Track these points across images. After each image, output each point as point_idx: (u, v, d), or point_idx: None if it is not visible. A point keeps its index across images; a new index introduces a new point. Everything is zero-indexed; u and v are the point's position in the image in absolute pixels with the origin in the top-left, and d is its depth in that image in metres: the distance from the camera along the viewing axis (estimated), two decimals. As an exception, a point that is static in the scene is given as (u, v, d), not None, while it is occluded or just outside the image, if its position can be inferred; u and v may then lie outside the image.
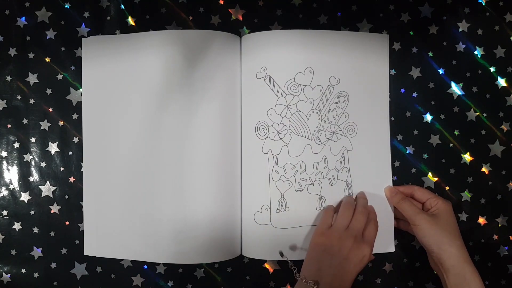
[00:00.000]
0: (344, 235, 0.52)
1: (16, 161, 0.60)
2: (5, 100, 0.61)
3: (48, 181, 0.61)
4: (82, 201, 0.60)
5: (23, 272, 0.60)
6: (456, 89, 0.63)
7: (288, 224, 0.58)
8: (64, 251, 0.61)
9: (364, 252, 0.51)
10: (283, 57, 0.58)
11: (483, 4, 0.63)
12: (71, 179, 0.61)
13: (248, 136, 0.59)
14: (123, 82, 0.59)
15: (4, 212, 0.60)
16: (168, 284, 0.61)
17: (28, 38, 0.60)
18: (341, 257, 0.51)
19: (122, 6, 0.61)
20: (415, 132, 0.62)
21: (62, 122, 0.61)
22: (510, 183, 0.63)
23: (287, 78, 0.58)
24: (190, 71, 0.58)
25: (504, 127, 0.63)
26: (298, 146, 0.58)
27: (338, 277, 0.50)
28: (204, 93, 0.58)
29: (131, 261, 0.61)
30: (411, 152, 0.62)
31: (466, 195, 0.63)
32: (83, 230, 0.60)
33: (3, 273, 0.60)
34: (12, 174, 0.61)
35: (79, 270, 0.61)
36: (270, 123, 0.58)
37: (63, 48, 0.61)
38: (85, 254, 0.59)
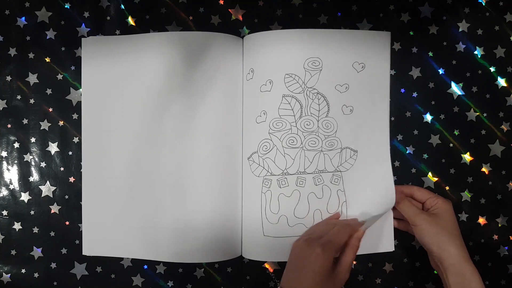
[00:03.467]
0: (313, 243, 0.50)
1: (16, 161, 0.61)
2: (5, 100, 0.61)
3: (48, 181, 0.61)
4: (82, 201, 0.60)
5: (23, 272, 0.60)
6: (456, 89, 0.63)
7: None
8: (64, 251, 0.61)
9: (314, 251, 0.48)
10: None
11: (483, 4, 0.63)
12: (71, 179, 0.61)
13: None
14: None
15: (4, 212, 0.60)
16: (168, 284, 0.61)
17: (28, 38, 0.60)
18: (302, 266, 0.49)
19: (122, 6, 0.61)
20: (415, 132, 0.62)
21: (62, 122, 0.61)
22: (510, 183, 0.63)
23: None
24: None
25: (504, 127, 0.63)
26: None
27: (298, 285, 0.48)
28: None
29: (131, 261, 0.61)
30: (411, 152, 0.62)
31: (466, 195, 0.63)
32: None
33: (3, 273, 0.60)
34: (12, 174, 0.61)
35: (79, 270, 0.61)
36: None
37: (63, 48, 0.61)
38: (83, 254, 0.59)
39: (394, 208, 0.59)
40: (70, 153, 0.61)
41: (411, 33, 0.62)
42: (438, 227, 0.53)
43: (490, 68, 0.63)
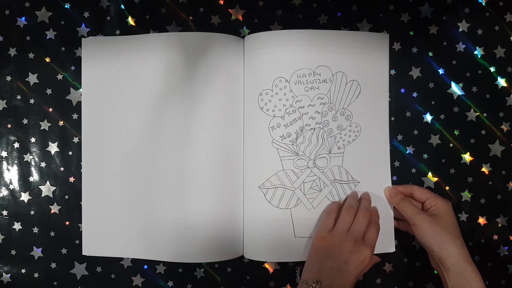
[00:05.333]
0: (344, 239, 0.52)
1: (16, 161, 0.60)
2: (5, 100, 0.61)
3: (48, 181, 0.61)
4: (82, 201, 0.60)
5: (23, 272, 0.60)
6: (456, 89, 0.63)
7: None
8: (64, 251, 0.61)
9: (364, 254, 0.52)
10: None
11: (483, 4, 0.63)
12: (71, 179, 0.61)
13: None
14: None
15: (4, 212, 0.60)
16: (168, 284, 0.61)
17: (28, 38, 0.60)
18: (341, 260, 0.51)
19: (122, 6, 0.61)
20: (415, 132, 0.62)
21: (62, 122, 0.61)
22: (510, 183, 0.63)
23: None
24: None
25: (504, 127, 0.63)
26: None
27: (339, 279, 0.50)
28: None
29: (131, 261, 0.61)
30: (411, 152, 0.62)
31: (466, 195, 0.63)
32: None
33: (3, 273, 0.60)
34: (12, 174, 0.60)
35: (79, 270, 0.61)
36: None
37: (63, 48, 0.61)
38: (83, 254, 0.59)
39: (394, 208, 0.59)
40: (70, 153, 0.61)
41: (411, 33, 0.62)
42: (438, 227, 0.53)
43: (490, 68, 0.63)
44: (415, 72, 0.62)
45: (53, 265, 0.60)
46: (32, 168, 0.61)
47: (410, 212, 0.55)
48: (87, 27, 0.61)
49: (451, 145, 0.63)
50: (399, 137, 0.62)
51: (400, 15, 0.62)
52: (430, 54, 0.62)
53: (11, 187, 0.60)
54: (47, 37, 0.61)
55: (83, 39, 0.60)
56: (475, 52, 0.63)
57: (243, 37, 0.60)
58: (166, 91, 0.58)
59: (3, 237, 0.60)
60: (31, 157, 0.61)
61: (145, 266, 0.61)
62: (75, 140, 0.61)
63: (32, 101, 0.61)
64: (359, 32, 0.61)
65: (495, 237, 0.63)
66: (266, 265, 0.62)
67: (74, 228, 0.60)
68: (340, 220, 0.55)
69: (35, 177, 0.61)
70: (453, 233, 0.54)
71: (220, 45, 0.58)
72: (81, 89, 0.61)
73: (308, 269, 0.53)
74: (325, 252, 0.52)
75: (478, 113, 0.63)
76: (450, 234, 0.53)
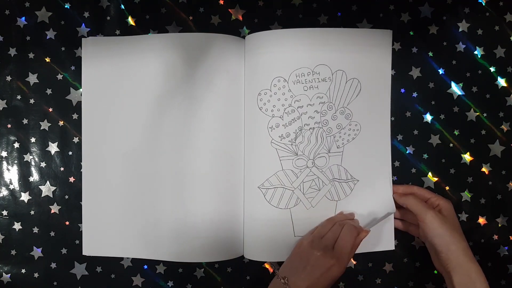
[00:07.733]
0: (316, 243, 0.53)
1: (16, 161, 0.61)
2: (5, 100, 0.61)
3: (48, 181, 0.61)
4: (82, 201, 0.60)
5: (23, 272, 0.60)
6: (456, 89, 0.63)
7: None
8: (64, 251, 0.61)
9: (329, 262, 0.51)
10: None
11: (483, 4, 0.63)
12: (71, 179, 0.61)
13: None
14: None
15: (4, 212, 0.60)
16: (168, 284, 0.61)
17: (28, 38, 0.60)
18: (309, 264, 0.52)
19: (122, 6, 0.61)
20: (415, 132, 0.62)
21: (62, 122, 0.61)
22: (510, 183, 0.63)
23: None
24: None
25: (504, 127, 0.63)
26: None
27: (305, 280, 0.51)
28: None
29: (131, 261, 0.61)
30: (411, 152, 0.62)
31: (466, 195, 0.63)
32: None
33: (3, 273, 0.60)
34: (12, 174, 0.61)
35: (79, 270, 0.61)
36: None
37: (63, 48, 0.61)
38: (83, 254, 0.59)
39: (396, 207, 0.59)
40: (70, 153, 0.61)
41: (411, 33, 0.62)
42: (445, 226, 0.53)
43: (490, 68, 0.63)
44: (415, 72, 0.62)
45: (53, 265, 0.61)
46: (32, 168, 0.61)
47: (419, 207, 0.55)
48: (87, 27, 0.61)
49: (451, 145, 0.63)
50: (399, 137, 0.62)
51: (400, 15, 0.62)
52: (430, 54, 0.62)
53: (11, 187, 0.60)
54: (47, 37, 0.61)
55: (83, 39, 0.60)
56: (475, 52, 0.63)
57: (243, 37, 0.60)
58: (166, 91, 0.58)
59: (3, 237, 0.60)
60: (31, 157, 0.61)
61: (145, 266, 0.61)
62: (75, 140, 0.61)
63: (32, 101, 0.61)
64: (361, 29, 0.61)
65: (495, 237, 0.63)
66: (266, 265, 0.62)
67: (74, 228, 0.60)
68: (318, 227, 0.57)
69: (35, 177, 0.61)
70: (458, 233, 0.54)
71: (221, 46, 0.58)
72: (81, 89, 0.61)
73: (284, 265, 0.55)
74: (299, 253, 0.54)
75: (478, 113, 0.63)
76: (456, 234, 0.53)
